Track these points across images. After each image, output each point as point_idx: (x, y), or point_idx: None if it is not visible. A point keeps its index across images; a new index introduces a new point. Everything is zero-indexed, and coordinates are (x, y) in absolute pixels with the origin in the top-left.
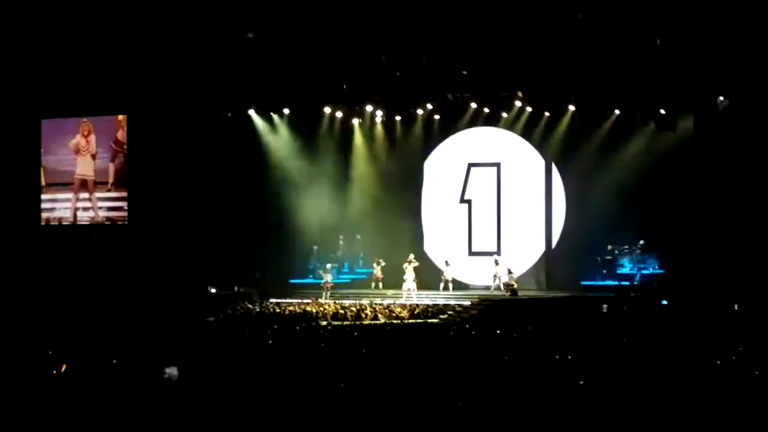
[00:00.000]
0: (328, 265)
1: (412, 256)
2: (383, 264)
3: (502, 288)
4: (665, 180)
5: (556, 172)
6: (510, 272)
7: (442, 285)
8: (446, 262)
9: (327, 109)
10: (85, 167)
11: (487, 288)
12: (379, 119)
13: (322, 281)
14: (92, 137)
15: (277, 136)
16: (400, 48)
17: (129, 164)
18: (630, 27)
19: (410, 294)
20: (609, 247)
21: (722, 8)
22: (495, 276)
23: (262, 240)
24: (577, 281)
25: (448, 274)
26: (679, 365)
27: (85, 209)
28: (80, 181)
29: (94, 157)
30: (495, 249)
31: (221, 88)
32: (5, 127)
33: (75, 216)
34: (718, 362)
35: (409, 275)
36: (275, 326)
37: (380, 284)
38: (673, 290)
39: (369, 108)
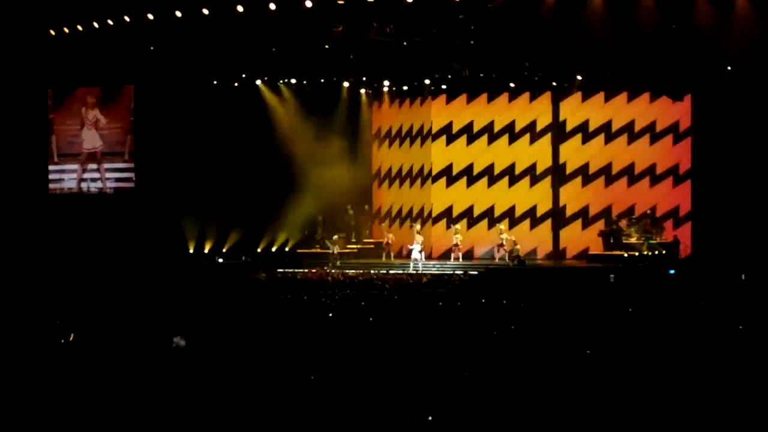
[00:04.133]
0: (335, 237)
1: (418, 226)
2: (391, 235)
3: (508, 258)
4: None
5: (565, 137)
6: (515, 242)
7: (453, 255)
8: (455, 229)
9: (335, 80)
10: (91, 139)
11: (493, 258)
12: (386, 89)
13: (332, 252)
14: (97, 109)
15: (285, 107)
16: (407, 19)
17: (136, 134)
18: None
19: (417, 264)
20: (616, 218)
21: None
22: (501, 245)
23: (269, 209)
24: (585, 251)
25: (456, 242)
26: (686, 335)
27: (93, 180)
28: (87, 153)
29: (100, 128)
30: (501, 218)
31: (230, 58)
32: (13, 97)
33: (80, 186)
34: (726, 332)
35: (416, 245)
36: (283, 296)
37: (392, 254)
38: (680, 260)
39: (376, 78)
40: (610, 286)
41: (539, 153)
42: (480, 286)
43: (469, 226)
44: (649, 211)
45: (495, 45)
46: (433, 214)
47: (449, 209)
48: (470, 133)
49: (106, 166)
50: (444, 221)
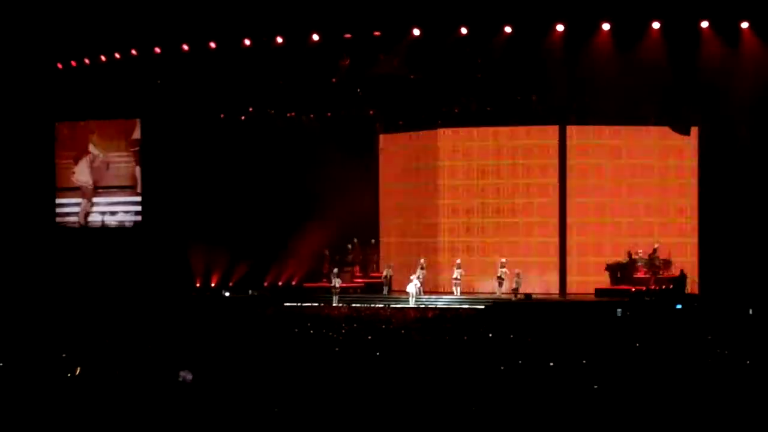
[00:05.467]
0: (335, 270)
1: (423, 261)
2: (391, 270)
3: (514, 292)
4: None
5: (572, 170)
6: (519, 276)
7: (458, 290)
8: (458, 264)
9: (342, 113)
10: (82, 172)
11: (499, 292)
12: (393, 121)
13: (333, 285)
14: (104, 142)
15: (294, 139)
16: (414, 53)
17: (143, 168)
18: None
19: (416, 298)
20: (629, 253)
21: None
22: (503, 279)
23: (276, 243)
24: (591, 285)
25: (458, 275)
26: (693, 370)
27: (102, 213)
28: (94, 186)
29: (105, 161)
30: (505, 251)
31: (237, 91)
32: (21, 130)
33: (86, 219)
34: (733, 367)
35: (415, 279)
36: (290, 330)
37: (391, 288)
38: (687, 294)
39: (384, 110)
40: (617, 320)
41: (546, 186)
42: (486, 320)
43: (473, 259)
44: (657, 245)
45: (502, 78)
46: (439, 247)
47: (454, 241)
48: (477, 166)
49: (114, 199)
50: (449, 254)
